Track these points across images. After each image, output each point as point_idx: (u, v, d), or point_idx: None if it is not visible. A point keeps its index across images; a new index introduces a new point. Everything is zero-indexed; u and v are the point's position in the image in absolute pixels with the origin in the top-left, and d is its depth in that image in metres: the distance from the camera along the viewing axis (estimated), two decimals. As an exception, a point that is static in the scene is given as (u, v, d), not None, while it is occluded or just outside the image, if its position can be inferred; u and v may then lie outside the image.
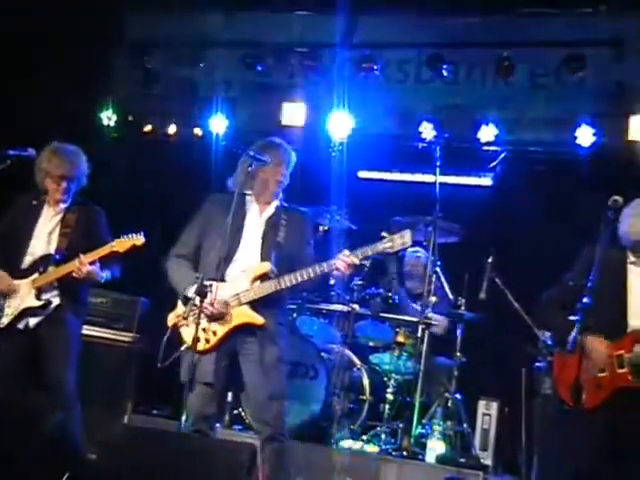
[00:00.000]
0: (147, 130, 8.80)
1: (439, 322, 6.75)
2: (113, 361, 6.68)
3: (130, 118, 8.90)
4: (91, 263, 5.06)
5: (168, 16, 8.47)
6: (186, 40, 8.51)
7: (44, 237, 5.26)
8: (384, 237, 4.50)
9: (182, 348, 4.61)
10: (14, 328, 5.12)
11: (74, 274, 5.05)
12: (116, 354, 6.73)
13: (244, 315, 4.58)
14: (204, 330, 4.57)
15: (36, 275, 5.15)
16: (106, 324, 6.81)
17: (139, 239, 5.05)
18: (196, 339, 4.43)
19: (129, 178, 8.42)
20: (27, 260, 5.22)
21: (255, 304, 4.59)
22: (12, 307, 5.14)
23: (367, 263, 6.94)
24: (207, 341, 4.58)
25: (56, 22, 8.06)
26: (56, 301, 5.16)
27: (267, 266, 4.61)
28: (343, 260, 4.43)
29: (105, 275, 5.19)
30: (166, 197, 8.34)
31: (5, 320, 5.13)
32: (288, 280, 4.54)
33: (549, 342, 5.94)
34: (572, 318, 4.43)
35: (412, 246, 5.03)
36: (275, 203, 4.86)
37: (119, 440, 4.05)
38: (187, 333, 4.61)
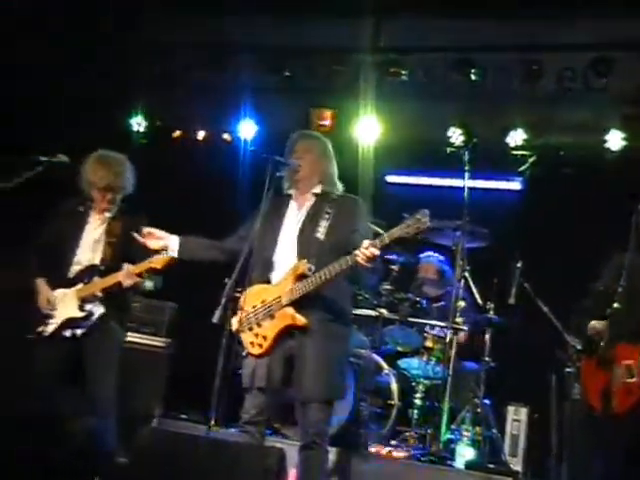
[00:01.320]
0: (176, 135, 8.86)
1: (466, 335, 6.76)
2: (143, 365, 6.72)
3: (159, 124, 8.97)
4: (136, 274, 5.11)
5: (198, 21, 8.52)
6: (215, 45, 8.55)
7: (90, 246, 5.30)
8: (404, 218, 4.38)
9: (243, 354, 4.65)
10: (60, 335, 5.18)
11: (120, 284, 5.10)
12: (146, 359, 6.77)
13: (287, 317, 4.55)
14: (256, 335, 4.60)
15: (81, 285, 5.21)
16: (136, 329, 6.85)
17: (174, 256, 5.02)
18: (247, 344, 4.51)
19: (159, 184, 8.46)
20: (73, 269, 5.27)
21: (298, 305, 4.53)
22: (57, 316, 5.20)
23: (395, 268, 6.95)
24: (260, 346, 4.60)
25: (85, 29, 8.14)
26: (99, 311, 5.20)
27: (302, 265, 4.55)
28: (363, 252, 4.35)
29: (149, 285, 5.22)
30: (196, 202, 8.39)
31: (50, 328, 5.20)
32: (317, 279, 4.47)
33: (579, 347, 5.90)
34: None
35: (430, 230, 4.86)
36: (314, 192, 4.80)
37: (148, 444, 4.07)
38: (245, 338, 4.64)
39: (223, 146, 8.72)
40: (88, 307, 5.19)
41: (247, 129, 8.54)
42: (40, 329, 5.21)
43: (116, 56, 8.34)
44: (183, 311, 7.17)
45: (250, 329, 4.58)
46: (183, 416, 6.95)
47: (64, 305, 5.19)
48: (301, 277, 4.54)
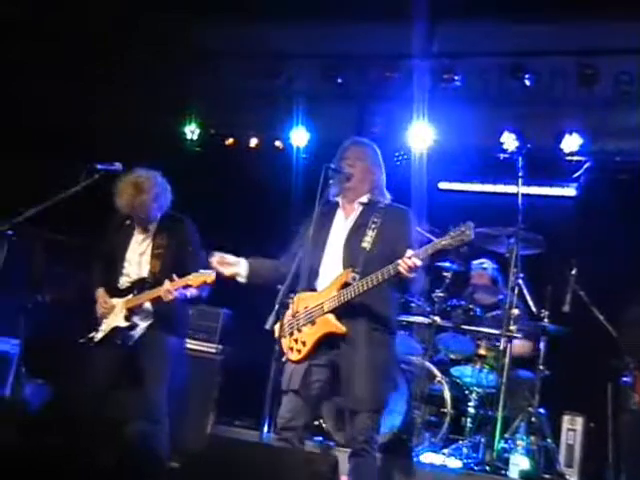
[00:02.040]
0: (229, 143, 8.92)
1: (524, 346, 6.68)
2: (196, 372, 6.77)
3: (212, 131, 9.05)
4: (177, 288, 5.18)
5: (248, 28, 8.57)
6: (267, 53, 8.60)
7: (136, 259, 5.43)
8: (449, 230, 4.36)
9: (283, 359, 4.66)
10: (111, 342, 5.33)
11: (162, 298, 5.19)
12: (199, 365, 6.82)
13: (327, 324, 4.57)
14: (296, 341, 4.62)
15: (130, 297, 5.34)
16: (189, 335, 6.90)
17: (211, 276, 5.06)
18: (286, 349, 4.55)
19: (212, 191, 8.53)
20: (123, 280, 5.42)
21: (341, 313, 4.54)
22: (106, 324, 5.35)
23: (448, 275, 6.91)
24: (299, 352, 4.62)
25: (138, 38, 8.25)
26: (146, 322, 5.33)
27: (347, 274, 4.56)
28: (405, 262, 4.35)
29: (189, 294, 5.25)
30: (248, 209, 8.44)
31: (99, 335, 5.36)
32: (360, 287, 4.47)
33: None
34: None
35: (471, 244, 4.83)
36: (362, 201, 4.80)
37: (202, 450, 4.09)
38: (284, 344, 4.65)
39: (275, 153, 8.75)
40: (135, 318, 5.32)
41: (299, 136, 8.56)
42: (91, 335, 5.38)
43: (170, 65, 8.43)
44: (236, 317, 7.21)
45: (291, 334, 4.61)
46: (236, 422, 6.99)
47: (114, 315, 5.35)
48: (345, 285, 4.55)
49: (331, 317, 4.56)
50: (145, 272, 5.37)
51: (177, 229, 5.45)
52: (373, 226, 4.67)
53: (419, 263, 4.34)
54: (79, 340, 5.39)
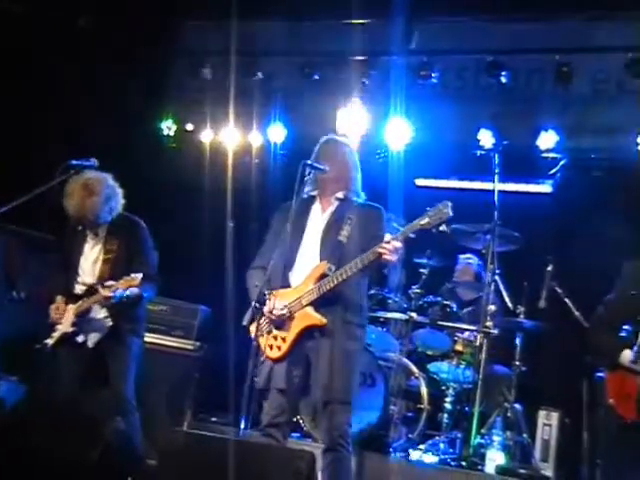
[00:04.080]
0: (205, 139, 8.88)
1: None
2: (173, 368, 6.75)
3: (189, 127, 9.00)
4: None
5: (226, 25, 8.53)
6: (245, 50, 8.56)
7: (89, 265, 5.46)
8: (426, 212, 4.39)
9: (261, 358, 4.65)
10: (72, 343, 5.37)
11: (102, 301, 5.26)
12: (176, 362, 6.80)
13: (307, 317, 4.59)
14: (275, 338, 4.62)
15: (80, 303, 5.37)
16: (166, 332, 6.89)
17: (135, 279, 5.09)
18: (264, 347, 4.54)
19: (187, 187, 8.50)
20: (78, 288, 5.45)
21: (318, 305, 4.56)
22: (58, 330, 5.40)
23: (425, 271, 6.93)
24: (279, 348, 4.62)
25: (115, 33, 8.20)
26: (100, 330, 5.35)
27: (323, 266, 4.60)
28: (384, 246, 4.38)
29: (128, 294, 5.23)
30: (225, 205, 8.40)
31: (50, 341, 5.40)
32: (339, 276, 4.49)
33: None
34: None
35: (446, 224, 4.82)
36: (338, 197, 4.84)
37: (179, 447, 4.08)
38: (262, 342, 4.64)
39: (252, 149, 8.72)
40: (82, 324, 5.35)
41: (276, 133, 8.54)
42: (46, 341, 5.41)
43: (146, 61, 8.38)
44: (214, 314, 7.19)
45: (269, 332, 4.60)
46: (213, 419, 6.98)
47: (64, 321, 5.38)
48: (322, 277, 4.58)
49: (310, 310, 4.58)
50: (97, 278, 5.39)
51: (127, 232, 5.47)
52: (349, 221, 4.71)
53: (399, 245, 4.37)
54: (36, 346, 5.44)
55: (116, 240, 5.43)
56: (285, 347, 4.62)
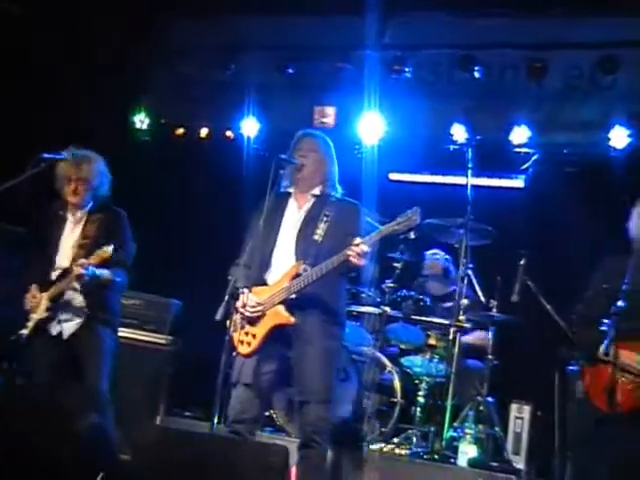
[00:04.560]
0: (179, 133, 8.84)
1: (481, 338, 6.75)
2: (145, 363, 6.72)
3: (162, 121, 8.95)
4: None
5: (201, 20, 8.50)
6: (219, 44, 8.53)
7: (68, 250, 5.34)
8: (396, 217, 4.43)
9: (233, 353, 4.66)
10: (48, 334, 5.26)
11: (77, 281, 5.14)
12: (148, 356, 6.77)
13: (277, 316, 4.59)
14: (246, 334, 4.61)
15: (53, 288, 5.26)
16: (139, 326, 6.85)
17: (106, 252, 5.02)
18: (238, 342, 4.55)
19: (161, 181, 8.46)
20: (54, 274, 5.33)
21: (292, 305, 4.57)
22: (32, 319, 5.29)
23: (399, 265, 6.94)
24: (249, 344, 4.62)
25: (91, 26, 8.13)
26: (77, 318, 5.25)
27: (298, 266, 4.60)
28: (353, 249, 4.39)
29: (99, 273, 5.14)
30: (198, 200, 8.38)
31: (25, 331, 5.28)
32: (309, 277, 4.51)
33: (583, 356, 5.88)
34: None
35: (414, 230, 4.86)
36: (314, 193, 4.84)
37: (152, 441, 4.06)
38: (235, 338, 4.66)
39: (226, 143, 8.69)
40: (58, 309, 5.24)
41: (250, 126, 8.51)
42: (21, 332, 5.29)
43: (119, 54, 8.32)
44: (187, 308, 7.17)
45: (242, 328, 4.60)
46: (187, 413, 6.96)
47: (39, 308, 5.27)
48: (296, 277, 4.58)
49: (281, 308, 4.58)
50: (69, 262, 5.29)
51: (107, 219, 5.38)
52: (325, 219, 4.70)
53: (367, 249, 4.39)
54: (11, 338, 5.33)
55: (95, 227, 5.34)
56: (255, 343, 4.62)
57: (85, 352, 5.27)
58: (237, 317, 4.58)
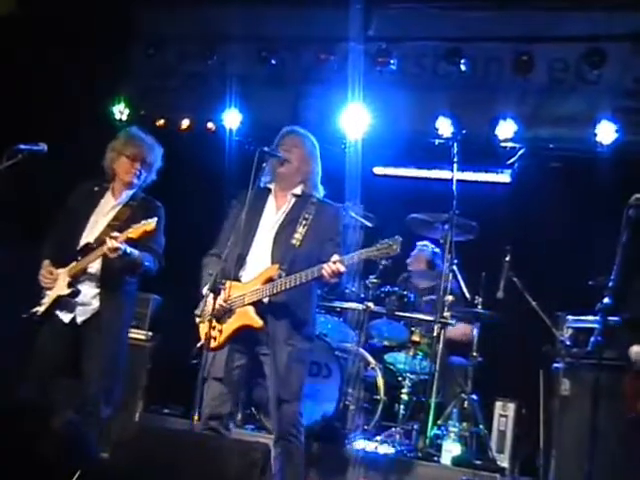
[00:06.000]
0: (160, 124, 8.72)
1: (461, 329, 6.69)
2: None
3: (142, 112, 8.83)
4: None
5: (182, 10, 8.40)
6: (200, 34, 8.43)
7: (99, 227, 5.14)
8: (376, 243, 4.39)
9: (197, 345, 4.66)
10: (58, 319, 5.05)
11: (107, 252, 4.88)
12: (128, 352, 6.65)
13: (245, 316, 4.56)
14: (213, 328, 4.55)
15: (73, 264, 5.05)
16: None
17: (150, 224, 4.85)
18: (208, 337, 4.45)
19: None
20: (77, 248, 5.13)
21: (264, 309, 4.54)
22: (49, 296, 5.08)
23: (382, 261, 6.87)
24: (214, 339, 4.56)
25: (70, 16, 8.01)
26: (91, 292, 5.05)
27: (274, 269, 4.56)
28: (329, 267, 4.37)
29: (130, 252, 4.93)
30: (178, 191, 8.27)
31: (41, 308, 5.08)
32: (282, 284, 4.48)
33: (567, 342, 5.86)
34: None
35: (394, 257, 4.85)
36: (294, 193, 4.79)
37: (131, 439, 4.00)
38: (201, 330, 4.63)
39: (207, 135, 8.59)
40: (78, 286, 5.03)
41: (232, 118, 8.42)
42: (35, 309, 5.10)
43: (98, 45, 8.20)
44: (167, 304, 7.09)
45: (210, 321, 4.53)
46: (165, 410, 6.90)
47: (57, 284, 5.06)
48: (270, 281, 4.54)
49: (250, 310, 4.55)
50: (93, 240, 5.08)
51: (144, 207, 5.21)
52: (304, 222, 4.68)
53: (343, 269, 4.39)
54: (22, 316, 5.10)
55: (131, 210, 5.18)
56: (220, 339, 4.57)
57: (92, 344, 5.02)
58: (209, 309, 4.49)
